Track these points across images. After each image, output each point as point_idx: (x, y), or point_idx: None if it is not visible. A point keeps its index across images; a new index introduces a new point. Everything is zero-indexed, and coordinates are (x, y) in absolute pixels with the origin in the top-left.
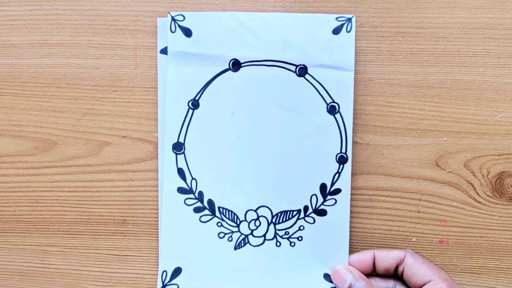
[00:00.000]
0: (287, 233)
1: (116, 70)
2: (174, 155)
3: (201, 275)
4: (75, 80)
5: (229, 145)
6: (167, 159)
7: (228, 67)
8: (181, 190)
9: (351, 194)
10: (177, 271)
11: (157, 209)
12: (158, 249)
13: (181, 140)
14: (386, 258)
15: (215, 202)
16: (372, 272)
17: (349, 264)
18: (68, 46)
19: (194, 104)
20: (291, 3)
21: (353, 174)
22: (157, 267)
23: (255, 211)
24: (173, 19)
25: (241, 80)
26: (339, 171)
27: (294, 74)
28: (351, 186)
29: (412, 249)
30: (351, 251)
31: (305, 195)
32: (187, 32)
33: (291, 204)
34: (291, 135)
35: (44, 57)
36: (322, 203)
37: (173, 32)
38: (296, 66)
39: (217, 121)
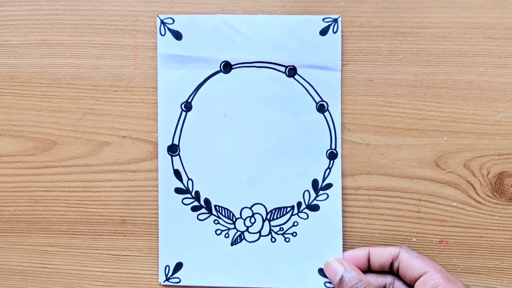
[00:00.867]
0: (281, 229)
1: (116, 70)
2: (170, 157)
3: (200, 269)
4: (75, 80)
5: (223, 145)
6: (163, 161)
7: (219, 69)
8: (178, 191)
9: (351, 194)
10: (178, 266)
11: (157, 209)
12: (158, 249)
13: (176, 142)
14: (381, 254)
15: (211, 201)
16: (368, 269)
17: (344, 258)
18: (68, 46)
19: (187, 106)
20: (291, 3)
21: (353, 174)
22: (157, 267)
23: (250, 208)
24: (162, 22)
25: (233, 82)
26: (330, 166)
27: (284, 74)
28: (351, 186)
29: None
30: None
31: (298, 191)
32: (177, 35)
33: (285, 200)
34: (283, 133)
35: (44, 57)
36: (314, 199)
37: (163, 35)
38: (286, 67)
39: (210, 123)
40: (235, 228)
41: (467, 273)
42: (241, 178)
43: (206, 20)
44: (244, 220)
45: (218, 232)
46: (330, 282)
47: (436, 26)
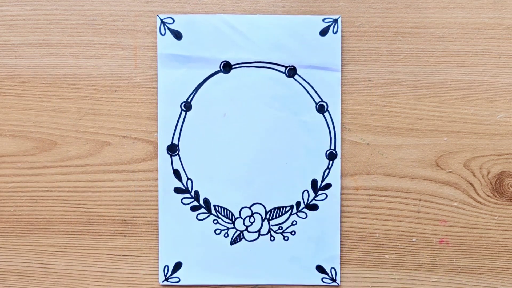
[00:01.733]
0: (280, 228)
1: (116, 70)
2: (169, 156)
3: (200, 269)
4: (75, 80)
5: (223, 145)
6: (162, 161)
7: (219, 69)
8: (177, 190)
9: (351, 194)
10: (177, 266)
11: (157, 209)
12: (158, 249)
13: (175, 142)
14: None
15: (210, 200)
16: None
17: None
18: (68, 46)
19: (187, 106)
20: (291, 3)
21: (353, 174)
22: (157, 267)
23: (249, 208)
24: (162, 21)
25: (232, 82)
26: (329, 167)
27: (284, 75)
28: (351, 186)
29: (412, 249)
30: (351, 251)
31: (297, 191)
32: (177, 35)
33: (284, 200)
34: (282, 133)
35: (44, 57)
36: (313, 198)
37: (163, 35)
38: (286, 67)
39: (210, 122)
40: (234, 227)
41: (467, 273)
42: (241, 178)
43: (206, 20)
44: (244, 219)
45: (218, 231)
46: (327, 278)
47: (436, 26)
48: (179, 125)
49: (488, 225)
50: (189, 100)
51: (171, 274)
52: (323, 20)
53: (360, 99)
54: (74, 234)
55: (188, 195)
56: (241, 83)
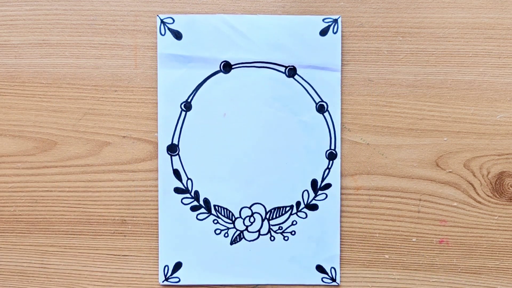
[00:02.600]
0: (280, 228)
1: (116, 70)
2: (169, 156)
3: (200, 269)
4: (75, 80)
5: (223, 145)
6: (162, 161)
7: (219, 69)
8: (177, 190)
9: (351, 194)
10: (177, 266)
11: (157, 209)
12: (158, 249)
13: (175, 141)
14: None
15: (210, 200)
16: None
17: None
18: (68, 46)
19: (187, 106)
20: (291, 3)
21: (353, 174)
22: (157, 267)
23: (249, 208)
24: (162, 21)
25: (232, 82)
26: (329, 166)
27: (284, 75)
28: (351, 186)
29: (412, 249)
30: (351, 251)
31: (297, 191)
32: (177, 35)
33: (284, 200)
34: (282, 133)
35: (44, 57)
36: (313, 198)
37: (163, 35)
38: (286, 67)
39: (210, 122)
40: (234, 227)
41: (467, 273)
42: (241, 178)
43: (206, 20)
44: (244, 219)
45: (218, 231)
46: (327, 278)
47: (436, 26)
48: (179, 125)
49: (488, 225)
50: (189, 100)
51: (171, 274)
52: (323, 20)
53: (360, 99)
54: (74, 234)
55: (188, 195)
56: (241, 83)
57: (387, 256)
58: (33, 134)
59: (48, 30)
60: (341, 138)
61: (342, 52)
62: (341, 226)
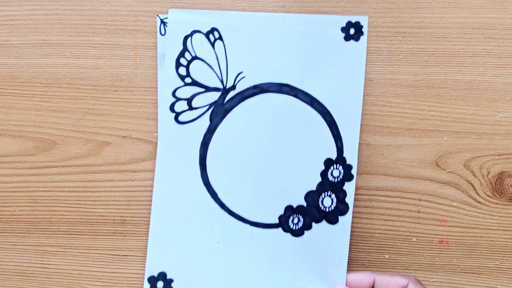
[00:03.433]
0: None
1: (116, 70)
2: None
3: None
4: (75, 80)
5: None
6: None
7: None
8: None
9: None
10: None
11: None
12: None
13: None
14: (388, 283)
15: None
16: None
17: (347, 283)
18: (68, 46)
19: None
20: (291, 3)
21: None
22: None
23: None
24: (162, 21)
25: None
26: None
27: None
28: None
29: (412, 249)
30: (351, 251)
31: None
32: None
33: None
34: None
35: (44, 57)
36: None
37: (163, 35)
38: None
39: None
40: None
41: (467, 273)
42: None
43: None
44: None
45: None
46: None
47: (436, 26)
48: None
49: (488, 225)
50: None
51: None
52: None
53: None
54: (74, 234)
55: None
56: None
57: (387, 256)
58: (33, 134)
59: (48, 30)
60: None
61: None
62: None
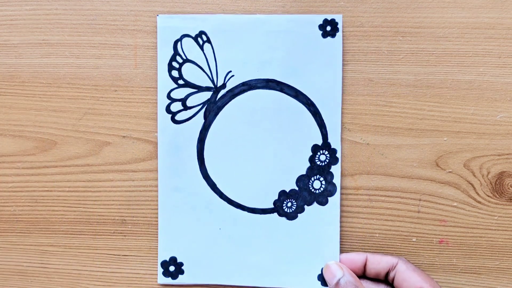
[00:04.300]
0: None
1: (116, 70)
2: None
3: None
4: (75, 80)
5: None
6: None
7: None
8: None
9: (351, 194)
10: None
11: (157, 208)
12: (157, 249)
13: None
14: (379, 262)
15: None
16: (363, 275)
17: (341, 261)
18: (68, 46)
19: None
20: (291, 2)
21: (353, 174)
22: (157, 267)
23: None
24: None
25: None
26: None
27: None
28: (351, 186)
29: (412, 249)
30: (351, 251)
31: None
32: None
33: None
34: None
35: (44, 57)
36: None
37: None
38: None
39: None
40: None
41: (467, 273)
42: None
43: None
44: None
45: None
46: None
47: (436, 26)
48: None
49: (488, 225)
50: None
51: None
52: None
53: (360, 99)
54: (74, 234)
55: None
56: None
57: None
58: (33, 134)
59: (48, 30)
60: (341, 138)
61: (342, 52)
62: (341, 226)
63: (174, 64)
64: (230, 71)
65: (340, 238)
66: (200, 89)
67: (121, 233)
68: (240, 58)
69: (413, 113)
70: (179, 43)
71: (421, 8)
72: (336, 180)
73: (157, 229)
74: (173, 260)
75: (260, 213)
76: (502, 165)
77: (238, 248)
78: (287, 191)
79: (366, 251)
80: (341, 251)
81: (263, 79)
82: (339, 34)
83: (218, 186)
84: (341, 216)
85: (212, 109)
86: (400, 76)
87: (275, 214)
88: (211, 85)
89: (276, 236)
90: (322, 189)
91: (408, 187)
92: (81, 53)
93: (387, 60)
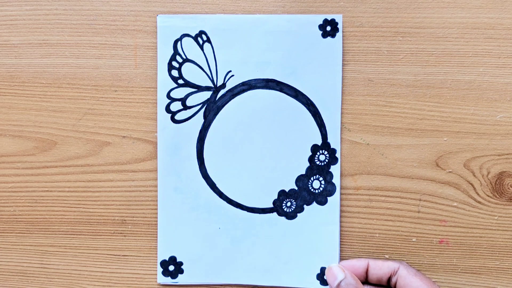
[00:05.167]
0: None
1: (116, 70)
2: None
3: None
4: (75, 80)
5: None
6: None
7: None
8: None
9: (351, 194)
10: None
11: (157, 209)
12: (157, 249)
13: None
14: (380, 267)
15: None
16: (365, 281)
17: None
18: (68, 46)
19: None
20: (291, 3)
21: (353, 174)
22: (156, 267)
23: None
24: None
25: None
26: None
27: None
28: (351, 186)
29: (412, 250)
30: (351, 251)
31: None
32: None
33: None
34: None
35: (44, 57)
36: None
37: None
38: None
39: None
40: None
41: (467, 273)
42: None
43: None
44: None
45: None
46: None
47: (436, 26)
48: None
49: (488, 225)
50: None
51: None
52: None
53: (360, 99)
54: (74, 234)
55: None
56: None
57: (387, 256)
58: (33, 134)
59: (48, 30)
60: (341, 138)
61: (342, 52)
62: (341, 226)
63: (174, 63)
64: (230, 71)
65: (340, 238)
66: (200, 88)
67: (121, 233)
68: (240, 58)
69: (413, 113)
70: (179, 43)
71: (421, 8)
72: (336, 180)
73: (157, 229)
74: (172, 259)
75: (260, 213)
76: (502, 165)
77: (238, 247)
78: (287, 190)
79: (366, 251)
80: (341, 251)
81: (263, 79)
82: (339, 34)
83: (218, 185)
84: (341, 216)
85: (211, 109)
86: (400, 76)
87: (275, 213)
88: (211, 85)
89: (275, 236)
90: (321, 189)
91: (408, 187)
92: (81, 53)
93: (387, 60)
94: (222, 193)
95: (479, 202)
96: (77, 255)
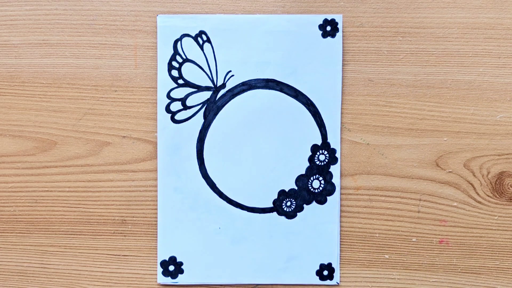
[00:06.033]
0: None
1: (116, 70)
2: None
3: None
4: (75, 80)
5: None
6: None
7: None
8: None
9: (351, 194)
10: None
11: (157, 209)
12: (157, 249)
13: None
14: None
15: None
16: None
17: None
18: (68, 46)
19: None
20: (291, 3)
21: (353, 174)
22: (156, 267)
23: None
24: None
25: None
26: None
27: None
28: (351, 186)
29: (412, 249)
30: (351, 251)
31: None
32: None
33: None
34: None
35: (44, 57)
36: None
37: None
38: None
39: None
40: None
41: (467, 273)
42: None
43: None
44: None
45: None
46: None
47: (436, 26)
48: None
49: (488, 225)
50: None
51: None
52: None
53: (360, 99)
54: (74, 234)
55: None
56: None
57: (387, 256)
58: (33, 134)
59: (48, 30)
60: (341, 138)
61: (342, 52)
62: (341, 226)
63: (174, 63)
64: (230, 71)
65: (340, 238)
66: (200, 88)
67: (121, 233)
68: (240, 58)
69: (413, 113)
70: (179, 43)
71: (421, 8)
72: (335, 180)
73: (157, 229)
74: (172, 259)
75: (260, 212)
76: (502, 165)
77: (238, 247)
78: (287, 190)
79: (366, 251)
80: (341, 251)
81: (263, 79)
82: (339, 34)
83: (218, 185)
84: (341, 216)
85: (211, 109)
86: (400, 76)
87: (275, 213)
88: (211, 85)
89: (275, 235)
90: (321, 188)
91: (408, 187)
92: (81, 53)
93: (387, 60)
94: (222, 193)
95: (479, 202)
96: (77, 255)
